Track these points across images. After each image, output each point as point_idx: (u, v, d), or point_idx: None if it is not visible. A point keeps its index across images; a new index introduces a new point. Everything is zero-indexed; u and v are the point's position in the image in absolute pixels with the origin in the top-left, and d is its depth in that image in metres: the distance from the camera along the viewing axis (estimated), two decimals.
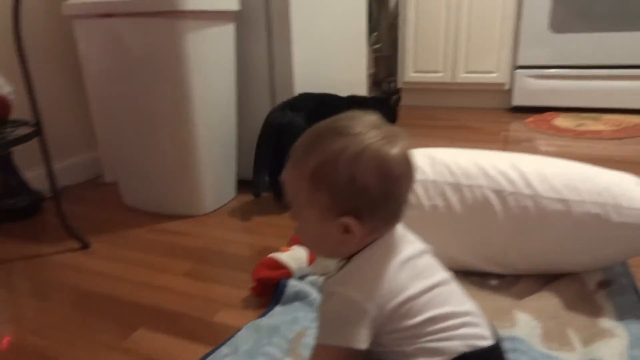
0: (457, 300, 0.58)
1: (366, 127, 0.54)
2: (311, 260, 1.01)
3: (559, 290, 0.91)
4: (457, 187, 0.95)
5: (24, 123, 1.20)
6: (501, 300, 0.91)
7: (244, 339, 0.82)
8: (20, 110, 1.26)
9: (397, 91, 1.66)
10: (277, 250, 1.07)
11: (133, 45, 1.29)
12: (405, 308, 0.54)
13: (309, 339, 0.78)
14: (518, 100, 2.68)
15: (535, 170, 0.94)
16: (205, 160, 1.40)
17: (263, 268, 0.99)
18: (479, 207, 0.94)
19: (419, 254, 0.59)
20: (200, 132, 1.36)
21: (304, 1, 1.51)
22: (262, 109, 1.57)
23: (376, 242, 0.57)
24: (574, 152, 1.92)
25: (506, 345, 0.73)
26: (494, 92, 2.79)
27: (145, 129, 1.38)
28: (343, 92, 1.64)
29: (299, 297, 0.93)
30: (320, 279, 0.97)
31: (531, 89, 2.63)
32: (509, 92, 2.73)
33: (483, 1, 2.62)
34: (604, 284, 0.93)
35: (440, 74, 2.83)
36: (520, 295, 0.92)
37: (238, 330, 0.85)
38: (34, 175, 1.53)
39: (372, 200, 0.53)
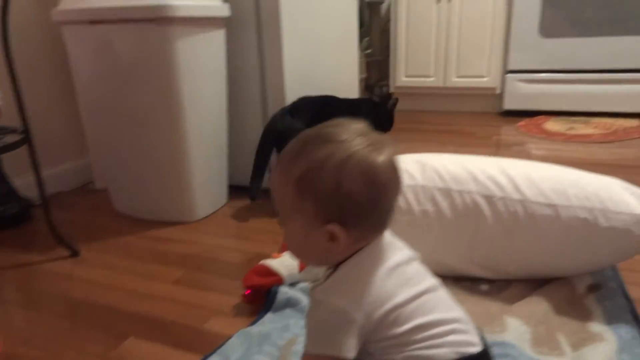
0: (445, 307, 0.58)
1: (353, 134, 0.54)
2: (302, 267, 1.01)
3: (548, 294, 0.91)
4: (447, 192, 0.96)
5: (12, 130, 1.19)
6: (491, 305, 0.91)
7: (235, 347, 0.81)
8: (8, 117, 1.25)
9: (390, 95, 1.66)
10: (269, 256, 1.07)
11: (123, 52, 1.28)
12: (393, 316, 0.54)
13: (300, 347, 0.78)
14: (509, 104, 2.70)
15: (523, 175, 0.94)
16: (197, 167, 1.40)
17: (254, 275, 0.99)
18: (468, 212, 0.94)
19: (407, 261, 0.59)
20: (191, 138, 1.36)
21: (295, 7, 1.52)
22: (254, 115, 1.57)
23: (364, 249, 0.57)
24: (564, 155, 1.93)
25: (497, 350, 0.73)
26: (485, 97, 2.81)
27: (136, 135, 1.38)
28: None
29: (290, 304, 0.93)
30: (312, 286, 0.97)
31: (522, 93, 2.65)
32: (500, 96, 2.75)
33: (473, 6, 2.64)
34: (593, 288, 0.94)
35: (431, 79, 2.85)
36: (511, 300, 0.92)
37: (229, 338, 0.84)
38: (23, 183, 1.52)
39: (358, 208, 0.53)
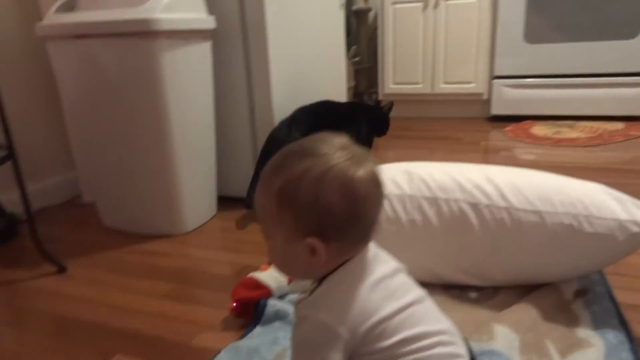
0: (431, 319, 0.58)
1: (334, 148, 0.54)
2: (291, 279, 1.00)
3: (536, 301, 0.92)
4: (433, 201, 0.96)
5: None
6: (480, 313, 0.91)
7: None
8: None
9: (379, 103, 1.68)
10: (258, 268, 1.06)
11: (108, 66, 1.28)
12: (379, 329, 0.54)
13: None
14: (496, 109, 2.72)
15: (509, 182, 0.95)
16: (185, 179, 1.39)
17: (242, 288, 0.98)
18: (455, 221, 0.94)
19: (392, 274, 0.59)
20: (179, 150, 1.35)
21: (281, 17, 1.52)
22: (242, 126, 1.57)
23: (348, 263, 0.57)
24: (551, 160, 1.95)
25: (484, 359, 0.74)
26: (473, 102, 2.84)
27: (123, 149, 1.37)
28: None
29: (279, 316, 0.92)
30: (297, 300, 0.97)
31: (508, 98, 2.68)
32: (487, 102, 2.78)
33: (459, 13, 2.67)
34: (580, 293, 0.94)
35: (419, 85, 2.87)
36: (499, 307, 0.92)
37: (218, 352, 0.83)
38: (9, 198, 1.50)
39: (338, 221, 0.53)
